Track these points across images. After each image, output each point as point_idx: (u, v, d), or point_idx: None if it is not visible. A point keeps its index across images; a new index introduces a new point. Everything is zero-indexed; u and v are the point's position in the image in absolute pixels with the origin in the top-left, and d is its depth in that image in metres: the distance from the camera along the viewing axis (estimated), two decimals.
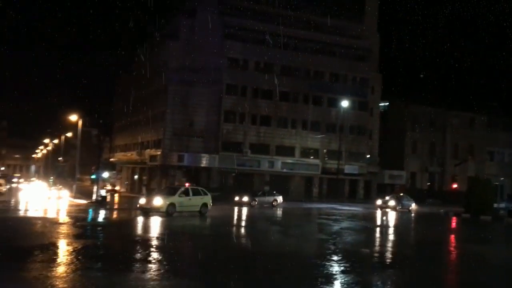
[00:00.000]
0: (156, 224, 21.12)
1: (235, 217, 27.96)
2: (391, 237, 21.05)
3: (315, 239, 18.46)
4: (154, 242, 15.44)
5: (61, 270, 9.95)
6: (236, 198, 37.06)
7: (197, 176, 47.91)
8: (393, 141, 58.54)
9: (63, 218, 22.58)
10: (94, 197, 36.74)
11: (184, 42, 49.02)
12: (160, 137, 49.32)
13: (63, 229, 17.70)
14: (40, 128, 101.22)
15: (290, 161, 51.53)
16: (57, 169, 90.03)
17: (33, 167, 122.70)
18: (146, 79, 55.38)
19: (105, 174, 48.11)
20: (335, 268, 11.37)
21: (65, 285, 8.66)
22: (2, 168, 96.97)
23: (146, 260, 11.53)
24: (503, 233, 26.50)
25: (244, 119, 49.77)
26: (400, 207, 37.09)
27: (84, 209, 28.96)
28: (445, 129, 61.55)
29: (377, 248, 16.23)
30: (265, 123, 50.66)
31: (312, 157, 52.86)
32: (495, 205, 36.12)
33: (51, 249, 12.49)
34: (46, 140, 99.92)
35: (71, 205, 32.56)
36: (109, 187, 49.57)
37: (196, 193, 26.35)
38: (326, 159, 52.69)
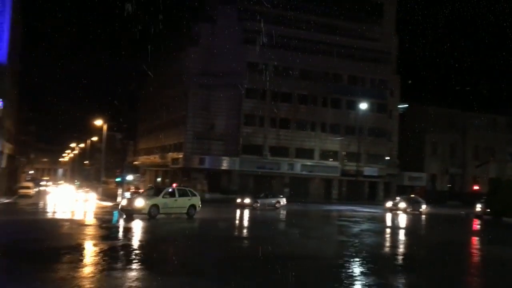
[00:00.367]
0: (134, 227, 19.52)
1: (229, 219, 25.99)
2: (411, 238, 20.63)
3: (318, 241, 17.42)
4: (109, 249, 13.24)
5: (87, 270, 10.04)
6: (238, 200, 36.29)
7: (217, 179, 48.09)
8: (412, 143, 57.65)
9: (90, 220, 22.87)
10: (119, 199, 37.24)
11: (204, 47, 49.36)
12: (182, 140, 49.68)
13: (89, 230, 17.91)
14: (67, 133, 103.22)
15: (309, 163, 51.27)
16: (83, 172, 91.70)
17: (60, 171, 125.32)
18: (168, 84, 56.06)
19: (130, 177, 48.79)
20: (357, 270, 11.20)
21: (92, 286, 8.71)
22: (31, 172, 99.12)
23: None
24: None
25: (264, 122, 49.77)
26: (410, 209, 35.71)
27: (109, 211, 29.31)
28: (465, 130, 60.34)
29: (397, 250, 15.93)
30: (284, 126, 50.55)
31: (331, 159, 52.47)
32: None
33: (78, 250, 12.62)
34: (73, 144, 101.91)
35: (97, 207, 33.01)
36: (133, 189, 50.22)
37: (183, 194, 24.55)
38: (345, 161, 52.22)
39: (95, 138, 77.55)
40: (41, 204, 35.62)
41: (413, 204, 36.33)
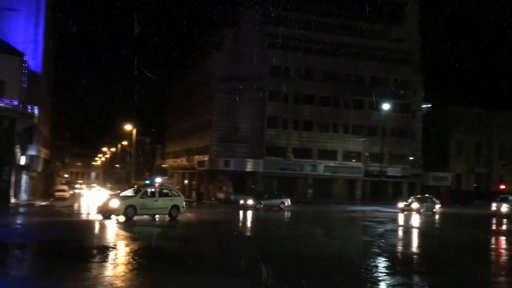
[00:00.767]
0: (104, 229, 18.98)
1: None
2: (434, 238, 20.36)
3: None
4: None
5: (118, 270, 10.26)
6: (241, 202, 35.31)
7: (242, 181, 48.50)
8: (437, 142, 56.63)
9: (121, 220, 23.46)
10: None
11: (228, 52, 49.95)
12: (207, 143, 50.35)
13: (120, 231, 18.41)
14: (99, 138, 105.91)
15: (332, 164, 51.08)
16: (114, 175, 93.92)
17: (93, 174, 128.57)
18: (194, 89, 56.93)
19: (158, 179, 49.89)
20: (382, 270, 11.14)
21: (122, 285, 8.87)
22: (66, 176, 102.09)
23: None
24: None
25: (287, 124, 49.92)
26: (423, 209, 34.06)
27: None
28: (490, 129, 58.79)
29: (422, 250, 15.77)
30: (307, 128, 50.57)
31: (354, 160, 52.13)
32: None
33: (109, 250, 12.92)
34: (105, 149, 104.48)
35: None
36: None
37: (164, 194, 23.30)
38: (368, 162, 51.77)
39: (125, 142, 79.44)
40: (75, 206, 36.76)
41: (427, 204, 34.88)
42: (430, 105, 60.03)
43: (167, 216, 22.74)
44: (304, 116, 50.49)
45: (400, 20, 55.11)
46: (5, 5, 35.25)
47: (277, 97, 49.89)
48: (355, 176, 51.89)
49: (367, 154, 52.09)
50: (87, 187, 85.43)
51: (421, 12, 57.21)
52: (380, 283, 9.60)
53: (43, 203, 37.63)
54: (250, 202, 34.67)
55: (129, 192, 23.64)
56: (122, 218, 21.48)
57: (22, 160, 36.68)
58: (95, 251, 12.66)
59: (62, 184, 68.25)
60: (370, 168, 51.12)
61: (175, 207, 22.98)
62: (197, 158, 53.02)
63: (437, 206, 35.80)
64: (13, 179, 33.26)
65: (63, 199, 45.43)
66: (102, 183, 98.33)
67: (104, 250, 12.80)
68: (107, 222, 20.91)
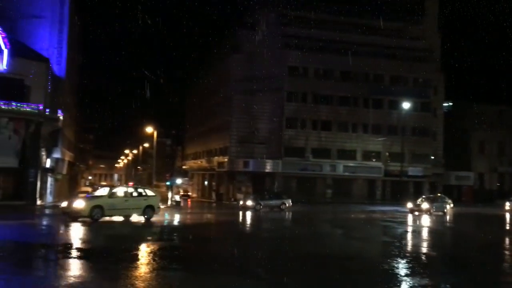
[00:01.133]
0: (54, 232, 17.84)
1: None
2: (456, 239, 19.96)
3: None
4: None
5: (139, 270, 10.33)
6: (241, 202, 34.75)
7: (261, 181, 48.52)
8: (458, 141, 55.56)
9: (143, 221, 23.73)
10: (169, 202, 38.53)
11: (246, 53, 50.10)
12: (227, 144, 50.57)
13: (142, 232, 18.61)
14: (122, 140, 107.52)
15: (352, 164, 50.65)
16: (136, 177, 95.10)
17: (116, 176, 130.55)
18: (212, 91, 57.32)
19: (179, 181, 50.28)
20: (403, 271, 10.99)
21: (143, 285, 8.90)
22: (90, 178, 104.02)
23: None
24: None
25: (305, 124, 49.75)
26: (434, 209, 31.95)
27: (161, 213, 30.32)
28: None
29: (443, 251, 15.46)
30: (326, 128, 50.29)
31: (374, 160, 51.58)
32: None
33: (131, 250, 12.99)
34: (127, 151, 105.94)
35: None
36: (182, 192, 51.61)
37: (137, 193, 21.97)
38: (388, 161, 51.13)
39: (146, 145, 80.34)
40: None
41: (437, 204, 32.90)
42: (451, 103, 58.95)
43: (141, 217, 21.40)
44: (322, 116, 50.22)
45: (419, 18, 54.32)
46: (32, 12, 36.19)
47: (295, 97, 49.79)
48: (375, 176, 51.33)
49: (387, 153, 51.47)
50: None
51: (441, 9, 56.40)
52: None
53: None
54: (249, 202, 33.75)
55: (103, 192, 22.26)
56: (91, 220, 20.13)
57: (48, 163, 37.52)
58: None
59: (86, 186, 69.60)
60: (390, 167, 50.48)
61: (150, 207, 21.61)
62: (216, 159, 53.31)
63: (448, 206, 34.27)
64: (39, 181, 34.06)
65: None
66: (125, 185, 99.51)
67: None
68: (72, 224, 19.33)
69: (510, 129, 57.13)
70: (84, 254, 12.15)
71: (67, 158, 46.39)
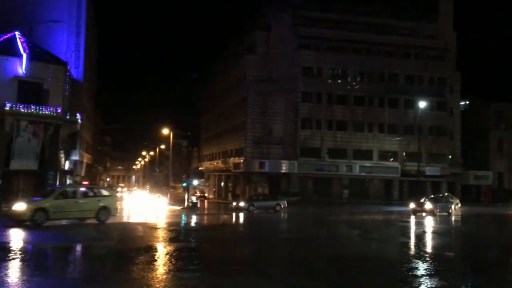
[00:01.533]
0: None
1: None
2: (473, 240, 19.17)
3: None
4: None
5: (157, 271, 10.20)
6: (234, 203, 33.63)
7: (277, 182, 47.99)
8: (476, 140, 54.22)
9: (160, 223, 23.51)
10: (186, 203, 38.26)
11: (260, 54, 49.71)
12: (242, 145, 50.19)
13: (159, 233, 18.35)
14: (139, 142, 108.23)
15: (368, 164, 49.78)
16: (153, 178, 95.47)
17: (133, 177, 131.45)
18: (227, 92, 57.06)
19: (195, 182, 50.04)
20: (421, 272, 10.62)
21: (159, 285, 8.80)
22: (108, 179, 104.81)
23: None
24: None
25: (321, 125, 49.08)
26: (438, 210, 29.68)
27: (178, 214, 30.13)
28: None
29: (461, 252, 14.87)
30: (341, 128, 49.54)
31: (391, 160, 50.63)
32: None
33: (148, 251, 12.88)
34: (144, 153, 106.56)
35: (166, 211, 34.06)
36: (199, 193, 51.37)
37: (90, 193, 20.16)
38: (405, 161, 50.11)
39: (163, 146, 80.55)
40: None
41: (442, 205, 30.73)
42: (468, 102, 57.61)
43: (94, 220, 19.42)
44: (338, 116, 49.51)
45: (435, 16, 53.32)
46: (49, 17, 36.37)
47: (310, 97, 49.21)
48: (392, 176, 50.36)
49: (404, 153, 50.47)
50: (127, 190, 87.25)
51: (456, 6, 55.14)
52: None
53: None
54: (242, 204, 32.35)
55: (50, 192, 20.22)
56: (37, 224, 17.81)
57: (66, 165, 37.65)
58: None
59: (104, 187, 69.88)
60: (407, 167, 49.45)
61: (104, 209, 19.59)
62: (232, 160, 52.97)
63: (453, 206, 32.55)
64: (57, 183, 34.12)
65: None
66: (142, 186, 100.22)
67: None
68: (17, 229, 17.13)
69: None
70: None
71: (85, 160, 46.57)
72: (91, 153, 54.60)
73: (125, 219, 24.21)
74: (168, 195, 46.56)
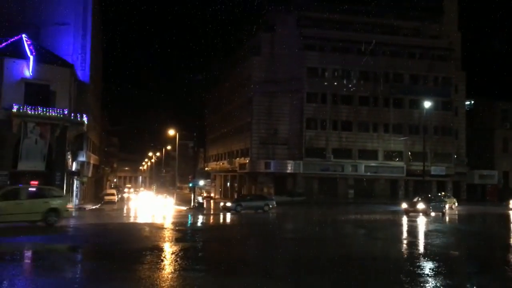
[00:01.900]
0: None
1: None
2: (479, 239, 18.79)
3: None
4: None
5: (162, 271, 10.15)
6: (221, 204, 33.62)
7: (283, 182, 47.73)
8: (482, 140, 53.68)
9: (166, 223, 23.36)
10: (192, 203, 38.11)
11: (265, 55, 49.50)
12: (248, 146, 49.97)
13: (166, 233, 18.19)
14: (145, 143, 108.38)
15: (373, 164, 49.40)
16: (160, 179, 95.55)
17: (140, 178, 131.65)
18: (233, 93, 56.88)
19: (201, 182, 49.86)
20: (426, 271, 10.38)
21: (164, 285, 8.77)
22: (115, 180, 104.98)
23: None
24: None
25: (326, 125, 48.78)
26: (431, 210, 28.43)
27: (184, 215, 29.98)
28: None
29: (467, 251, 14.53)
30: (346, 128, 49.21)
31: (397, 159, 50.20)
32: None
33: (154, 251, 12.81)
34: (150, 154, 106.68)
35: (173, 211, 33.95)
36: (205, 194, 51.23)
37: (36, 194, 18.48)
38: (410, 161, 49.68)
39: (169, 147, 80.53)
40: (124, 209, 37.28)
41: (435, 204, 29.37)
42: (473, 101, 57.09)
43: (41, 223, 17.67)
44: (342, 116, 49.18)
45: (439, 16, 52.90)
46: (56, 20, 36.37)
47: (315, 98, 48.92)
48: (397, 175, 49.95)
49: (409, 153, 50.05)
50: (134, 190, 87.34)
51: (461, 6, 54.70)
52: None
53: (93, 207, 38.41)
54: (228, 204, 31.84)
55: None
56: None
57: (73, 166, 37.60)
58: None
59: (111, 188, 70.03)
60: (412, 167, 49.04)
61: (53, 211, 17.90)
62: (238, 160, 52.76)
63: (448, 206, 31.50)
64: (65, 184, 34.04)
65: (112, 202, 46.32)
66: (149, 187, 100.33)
67: None
68: None
69: None
70: None
71: (92, 161, 46.50)
72: (98, 154, 54.55)
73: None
74: (175, 196, 46.47)
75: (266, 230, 21.13)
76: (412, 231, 20.31)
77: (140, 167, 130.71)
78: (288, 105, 48.68)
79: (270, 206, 31.88)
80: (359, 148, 49.28)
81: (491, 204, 38.01)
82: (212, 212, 34.28)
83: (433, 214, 28.39)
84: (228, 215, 28.62)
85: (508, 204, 35.52)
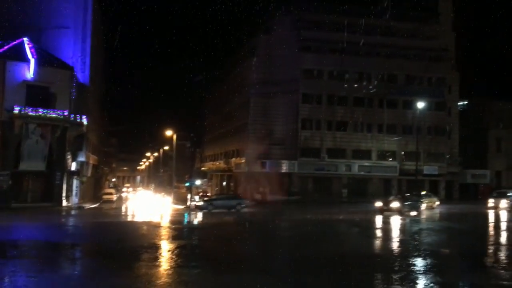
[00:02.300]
0: None
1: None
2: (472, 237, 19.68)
3: None
4: None
5: (159, 268, 10.75)
6: (193, 203, 33.77)
7: (278, 182, 48.59)
8: (474, 140, 54.68)
9: (163, 221, 24.14)
10: (189, 203, 39.05)
11: (263, 57, 50.23)
12: (244, 146, 50.86)
13: (163, 231, 19.03)
14: (144, 143, 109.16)
15: (367, 164, 50.38)
16: (157, 179, 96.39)
17: (138, 178, 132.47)
18: (230, 94, 57.78)
19: (198, 182, 50.83)
20: (417, 268, 11.13)
21: (160, 281, 9.25)
22: (114, 180, 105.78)
23: None
24: None
25: (321, 125, 49.69)
26: (406, 209, 28.38)
27: (181, 213, 30.82)
28: None
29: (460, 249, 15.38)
30: (341, 129, 50.13)
31: (390, 159, 51.19)
32: None
33: (151, 249, 13.48)
34: (148, 154, 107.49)
35: (170, 210, 34.78)
36: (201, 193, 52.08)
37: None
38: (404, 160, 50.69)
39: (166, 147, 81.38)
40: (122, 208, 38.16)
41: (410, 204, 29.29)
42: (467, 101, 58.07)
43: None
44: (337, 116, 50.09)
45: (434, 17, 53.74)
46: (56, 23, 37.29)
47: (311, 99, 49.78)
48: (391, 175, 50.94)
49: (402, 153, 51.04)
50: (133, 190, 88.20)
51: (455, 7, 55.54)
52: None
53: (92, 206, 39.32)
54: (200, 203, 32.30)
55: None
56: None
57: (73, 166, 38.52)
58: None
59: (110, 187, 70.89)
60: (405, 167, 50.04)
61: None
62: (234, 160, 53.68)
63: (423, 206, 31.59)
64: (65, 183, 35.01)
65: (110, 201, 47.23)
66: (147, 186, 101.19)
67: None
68: None
69: None
70: None
71: (91, 161, 47.43)
72: (97, 154, 55.46)
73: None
74: (172, 195, 47.38)
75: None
76: (368, 229, 20.27)
77: (139, 167, 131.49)
78: (284, 105, 49.51)
79: (242, 205, 32.48)
80: (353, 148, 50.25)
81: (481, 203, 38.78)
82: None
83: (413, 213, 28.23)
84: (200, 215, 28.94)
85: (487, 203, 36.30)
